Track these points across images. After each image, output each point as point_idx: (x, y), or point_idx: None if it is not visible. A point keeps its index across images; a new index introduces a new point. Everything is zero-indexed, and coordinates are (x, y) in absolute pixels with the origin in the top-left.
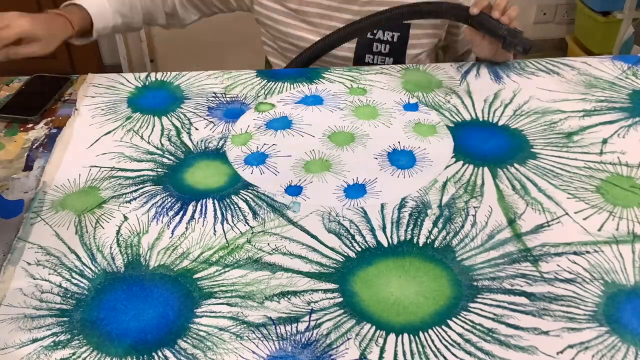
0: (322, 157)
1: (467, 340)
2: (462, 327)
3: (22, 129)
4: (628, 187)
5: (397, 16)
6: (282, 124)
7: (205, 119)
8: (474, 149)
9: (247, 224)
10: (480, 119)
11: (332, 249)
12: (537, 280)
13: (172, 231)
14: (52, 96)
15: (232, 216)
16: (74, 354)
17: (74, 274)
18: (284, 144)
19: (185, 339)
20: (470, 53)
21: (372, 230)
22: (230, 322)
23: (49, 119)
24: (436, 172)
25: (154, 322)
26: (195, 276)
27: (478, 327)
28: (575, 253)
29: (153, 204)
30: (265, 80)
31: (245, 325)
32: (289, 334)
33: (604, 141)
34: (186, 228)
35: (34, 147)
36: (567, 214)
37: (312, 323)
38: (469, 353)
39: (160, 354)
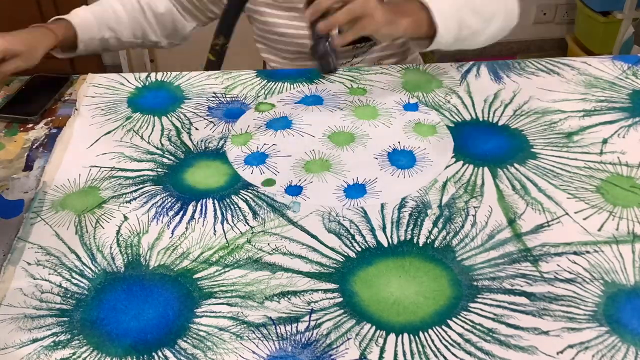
0: (322, 157)
1: (467, 340)
2: (462, 327)
3: (22, 129)
4: (628, 187)
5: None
6: (282, 124)
7: (205, 119)
8: (474, 149)
9: (247, 224)
10: (480, 119)
11: (332, 249)
12: (537, 280)
13: (172, 231)
14: (52, 96)
15: (232, 216)
16: (74, 354)
17: (74, 274)
18: (284, 144)
19: (185, 339)
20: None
21: (372, 230)
22: (230, 322)
23: (49, 119)
24: (436, 172)
25: (154, 322)
26: (195, 276)
27: (478, 327)
28: (575, 253)
29: (153, 204)
30: (265, 80)
31: (245, 325)
32: (289, 334)
33: (604, 141)
34: (186, 228)
35: (34, 147)
36: (567, 214)
37: (312, 323)
38: (469, 353)
39: (160, 354)
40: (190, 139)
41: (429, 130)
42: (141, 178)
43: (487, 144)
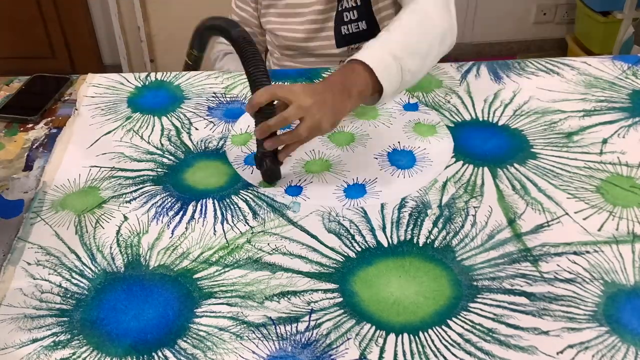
0: (322, 157)
1: (467, 340)
2: (462, 327)
3: (22, 129)
4: (628, 187)
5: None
6: None
7: (205, 119)
8: (474, 149)
9: (247, 224)
10: (480, 119)
11: (332, 249)
12: (537, 280)
13: (172, 231)
14: (52, 96)
15: (232, 216)
16: (74, 354)
17: (74, 274)
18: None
19: (185, 339)
20: None
21: (372, 230)
22: (230, 322)
23: (49, 119)
24: (436, 172)
25: (154, 322)
26: (195, 276)
27: (478, 327)
28: (575, 253)
29: (153, 204)
30: None
31: (245, 325)
32: (289, 334)
33: (604, 141)
34: (186, 228)
35: (34, 147)
36: (567, 214)
37: (312, 323)
38: (469, 353)
39: (160, 354)
40: (190, 139)
41: (429, 130)
42: (141, 178)
43: (487, 144)
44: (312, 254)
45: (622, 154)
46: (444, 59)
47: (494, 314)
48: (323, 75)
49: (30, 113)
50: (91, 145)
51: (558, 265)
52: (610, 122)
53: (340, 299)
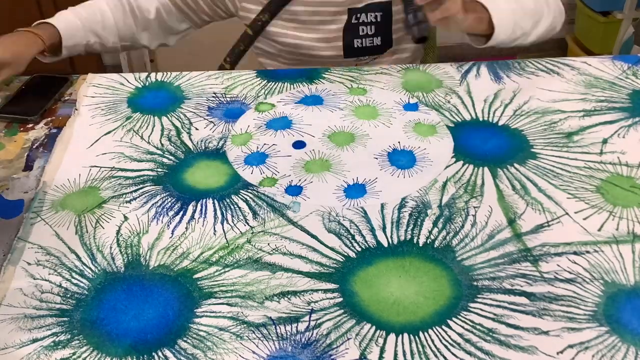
0: (322, 157)
1: (467, 340)
2: (462, 327)
3: (22, 129)
4: (628, 187)
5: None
6: (282, 124)
7: (205, 119)
8: (474, 149)
9: (247, 224)
10: (480, 119)
11: (332, 249)
12: (537, 280)
13: (172, 231)
14: (52, 96)
15: (232, 216)
16: (74, 354)
17: (74, 274)
18: (284, 144)
19: (185, 339)
20: None
21: (372, 230)
22: (230, 322)
23: (49, 119)
24: (436, 172)
25: (154, 322)
26: (195, 276)
27: (478, 327)
28: (575, 253)
29: (153, 204)
30: (265, 80)
31: (245, 325)
32: (289, 334)
33: (604, 141)
34: (186, 228)
35: (34, 147)
36: (567, 214)
37: (312, 323)
38: (469, 353)
39: (160, 354)
40: (190, 139)
41: (429, 130)
42: (141, 178)
43: (487, 144)
44: (312, 254)
45: (622, 154)
46: (444, 59)
47: (494, 314)
48: (323, 75)
49: (30, 113)
50: (91, 145)
51: (558, 265)
52: (610, 122)
53: (340, 299)
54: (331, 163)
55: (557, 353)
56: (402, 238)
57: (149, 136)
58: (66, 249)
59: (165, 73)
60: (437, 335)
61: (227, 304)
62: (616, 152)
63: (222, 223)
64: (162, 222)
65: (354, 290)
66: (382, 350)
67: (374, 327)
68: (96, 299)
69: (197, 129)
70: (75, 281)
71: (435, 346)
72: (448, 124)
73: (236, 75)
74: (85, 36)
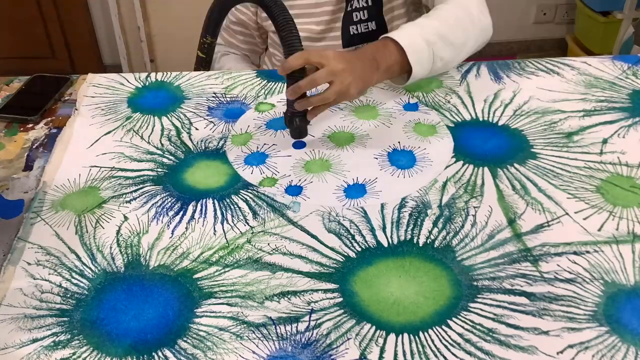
0: (322, 157)
1: (467, 340)
2: (462, 327)
3: (22, 129)
4: (628, 187)
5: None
6: (282, 124)
7: (205, 119)
8: (474, 149)
9: (247, 224)
10: (480, 119)
11: (332, 249)
12: (537, 280)
13: (172, 231)
14: (52, 96)
15: (232, 216)
16: (74, 354)
17: (74, 274)
18: (284, 144)
19: (185, 339)
20: None
21: (372, 230)
22: (230, 322)
23: (49, 119)
24: (436, 172)
25: (154, 322)
26: (195, 276)
27: (478, 327)
28: (575, 253)
29: (153, 204)
30: (265, 80)
31: (245, 325)
32: (289, 334)
33: (604, 141)
34: (186, 228)
35: (34, 147)
36: (567, 214)
37: (312, 323)
38: (469, 353)
39: (160, 354)
40: (190, 139)
41: (429, 130)
42: (141, 178)
43: (487, 144)
44: (312, 254)
45: (622, 154)
46: None
47: (494, 314)
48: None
49: (30, 113)
50: (91, 145)
51: (558, 265)
52: (610, 122)
53: (340, 299)
54: (331, 163)
55: (557, 353)
56: (402, 238)
57: (149, 136)
58: (66, 249)
59: (165, 73)
60: (437, 335)
61: (227, 304)
62: (616, 152)
63: (222, 223)
64: (162, 222)
65: (354, 290)
66: (382, 350)
67: (374, 327)
68: (96, 299)
69: (197, 129)
70: (75, 281)
71: (435, 346)
72: (448, 124)
73: (236, 75)
74: None
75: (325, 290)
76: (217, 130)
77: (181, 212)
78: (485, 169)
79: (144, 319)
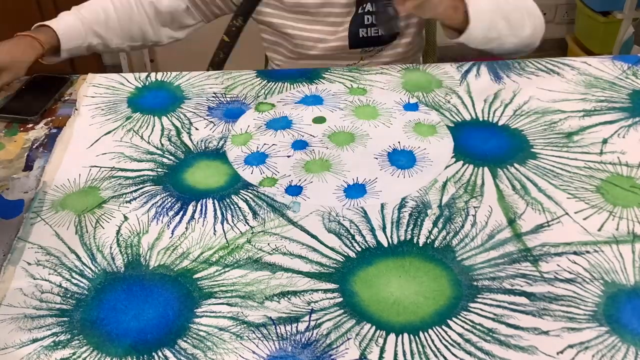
0: (322, 157)
1: (467, 340)
2: (462, 327)
3: (22, 129)
4: (628, 187)
5: None
6: (282, 124)
7: (205, 119)
8: (474, 149)
9: (247, 224)
10: (480, 119)
11: (332, 249)
12: (537, 280)
13: (172, 231)
14: (52, 96)
15: (232, 216)
16: (74, 354)
17: (74, 274)
18: (284, 144)
19: (185, 339)
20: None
21: (372, 230)
22: (230, 322)
23: (49, 119)
24: (436, 172)
25: (154, 322)
26: (195, 276)
27: (478, 327)
28: (575, 253)
29: (153, 204)
30: (265, 80)
31: (245, 325)
32: (289, 334)
33: (604, 141)
34: (186, 228)
35: (34, 147)
36: (567, 214)
37: (312, 323)
38: (469, 353)
39: (160, 354)
40: (190, 139)
41: (429, 130)
42: (141, 178)
43: (487, 144)
44: (312, 254)
45: (622, 154)
46: (444, 59)
47: (494, 314)
48: (323, 75)
49: (30, 113)
50: (91, 145)
51: (558, 265)
52: (610, 122)
53: (340, 299)
54: (331, 163)
55: (557, 353)
56: (402, 238)
57: (149, 136)
58: (66, 249)
59: (165, 73)
60: (437, 335)
61: (227, 304)
62: (616, 152)
63: (222, 223)
64: (162, 222)
65: (354, 290)
66: (382, 350)
67: (374, 327)
68: (96, 299)
69: (197, 129)
70: (75, 281)
71: (435, 346)
72: (448, 124)
73: (236, 75)
74: (87, 37)
75: (325, 290)
76: (217, 130)
77: (181, 212)
78: (485, 169)
79: (144, 319)
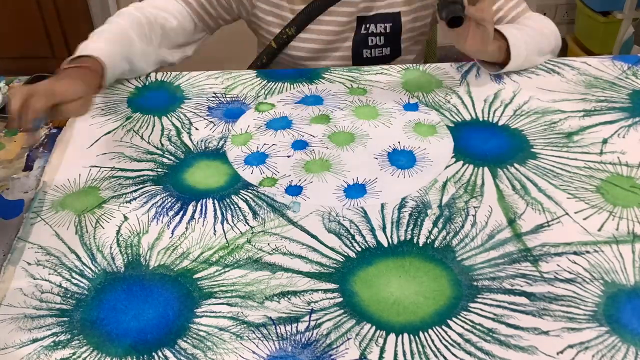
0: (322, 157)
1: (467, 340)
2: (462, 327)
3: (22, 129)
4: (628, 187)
5: None
6: (282, 124)
7: (205, 119)
8: (474, 149)
9: (247, 224)
10: (480, 119)
11: (332, 249)
12: (537, 280)
13: (172, 231)
14: None
15: (232, 216)
16: (74, 354)
17: (74, 274)
18: (284, 144)
19: (185, 339)
20: None
21: (372, 230)
22: (230, 322)
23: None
24: (436, 172)
25: (154, 322)
26: (195, 276)
27: (478, 327)
28: (575, 253)
29: (153, 204)
30: (265, 80)
31: (245, 325)
32: (289, 334)
33: (604, 141)
34: (186, 228)
35: (34, 147)
36: (567, 214)
37: (312, 323)
38: (469, 353)
39: (160, 354)
40: (190, 139)
41: (429, 130)
42: (141, 178)
43: (487, 144)
44: (312, 254)
45: (622, 154)
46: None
47: (494, 314)
48: (323, 75)
49: None
50: (91, 145)
51: (558, 265)
52: (610, 122)
53: (340, 299)
54: (331, 163)
55: (557, 353)
56: (402, 238)
57: (149, 136)
58: (66, 249)
59: (165, 73)
60: (437, 335)
61: (227, 304)
62: (616, 152)
63: (222, 223)
64: (162, 222)
65: (354, 290)
66: (382, 350)
67: (374, 327)
68: (96, 299)
69: (197, 129)
70: (75, 281)
71: (435, 346)
72: (448, 124)
73: (236, 75)
74: (121, 65)
75: (325, 290)
76: (217, 130)
77: (181, 212)
78: (485, 169)
79: (144, 319)
